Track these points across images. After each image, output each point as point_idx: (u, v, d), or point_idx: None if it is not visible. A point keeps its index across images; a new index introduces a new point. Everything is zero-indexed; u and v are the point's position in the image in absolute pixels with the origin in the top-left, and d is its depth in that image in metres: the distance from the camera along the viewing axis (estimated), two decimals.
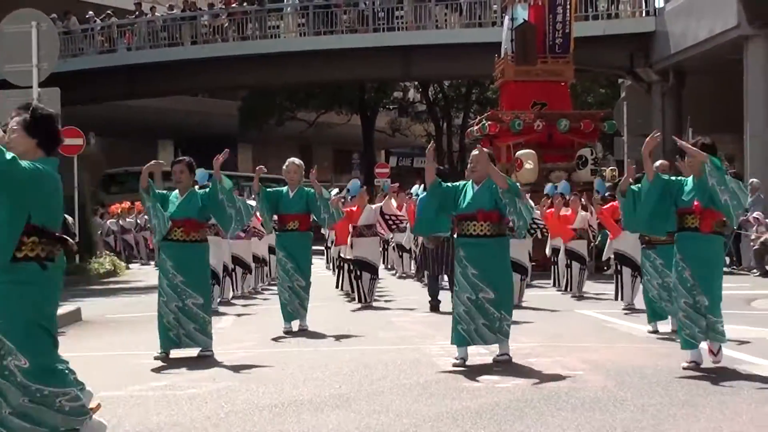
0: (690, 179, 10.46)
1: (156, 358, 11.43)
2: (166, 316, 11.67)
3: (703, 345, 10.30)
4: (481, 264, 10.80)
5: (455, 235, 11.32)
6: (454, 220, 12.75)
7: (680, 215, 10.47)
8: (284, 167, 14.48)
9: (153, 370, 10.87)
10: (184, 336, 11.65)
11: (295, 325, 14.11)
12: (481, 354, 11.59)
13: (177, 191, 12.11)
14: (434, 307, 16.74)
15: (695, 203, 10.29)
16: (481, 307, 10.73)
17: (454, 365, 10.52)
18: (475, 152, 11.18)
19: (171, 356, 11.52)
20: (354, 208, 18.42)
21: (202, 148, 64.23)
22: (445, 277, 17.63)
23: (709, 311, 10.19)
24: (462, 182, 11.23)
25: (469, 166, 11.13)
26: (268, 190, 14.32)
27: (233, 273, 19.70)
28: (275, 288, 16.86)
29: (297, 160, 14.58)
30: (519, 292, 17.22)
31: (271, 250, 22.20)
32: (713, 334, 10.22)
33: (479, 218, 10.83)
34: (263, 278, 22.63)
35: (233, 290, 19.84)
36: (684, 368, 10.18)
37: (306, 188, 14.41)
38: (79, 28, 44.33)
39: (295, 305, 14.05)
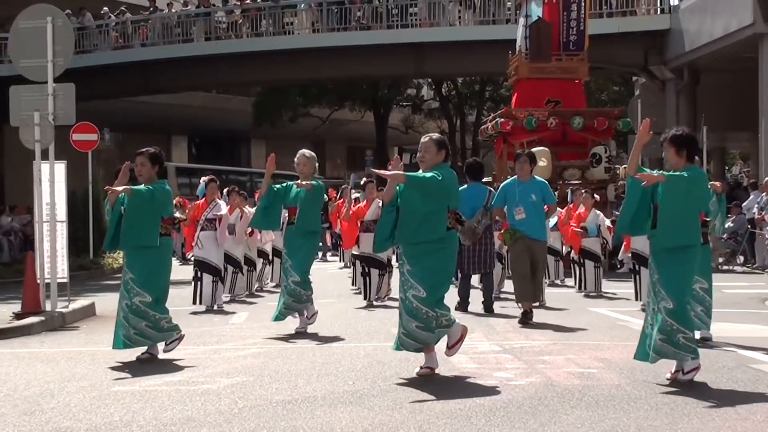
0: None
1: (139, 358, 11.27)
2: (119, 314, 11.37)
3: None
4: (418, 261, 9.84)
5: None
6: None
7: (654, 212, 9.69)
8: (295, 159, 13.90)
9: (166, 365, 10.85)
10: (135, 335, 11.24)
11: (294, 323, 13.72)
12: (495, 351, 11.61)
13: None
14: (464, 308, 15.95)
15: None
16: (408, 308, 9.81)
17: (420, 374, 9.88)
18: (423, 139, 10.19)
19: (181, 352, 11.43)
20: (362, 204, 18.35)
21: (216, 144, 64.87)
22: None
23: (674, 318, 9.31)
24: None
25: (417, 154, 10.19)
26: (276, 186, 13.75)
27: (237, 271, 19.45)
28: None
29: (308, 152, 13.95)
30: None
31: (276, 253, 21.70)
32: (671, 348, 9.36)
33: None
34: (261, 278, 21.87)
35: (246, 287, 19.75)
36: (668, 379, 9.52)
37: (320, 182, 13.95)
38: (94, 24, 44.43)
39: (288, 303, 13.43)
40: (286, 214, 13.92)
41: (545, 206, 14.77)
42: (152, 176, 11.49)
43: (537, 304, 15.19)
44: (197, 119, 57.83)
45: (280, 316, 13.59)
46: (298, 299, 13.49)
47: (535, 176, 15.07)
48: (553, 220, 17.75)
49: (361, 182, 19.45)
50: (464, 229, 15.06)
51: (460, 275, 16.43)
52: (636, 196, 9.70)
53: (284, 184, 13.90)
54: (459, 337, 9.97)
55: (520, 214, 14.52)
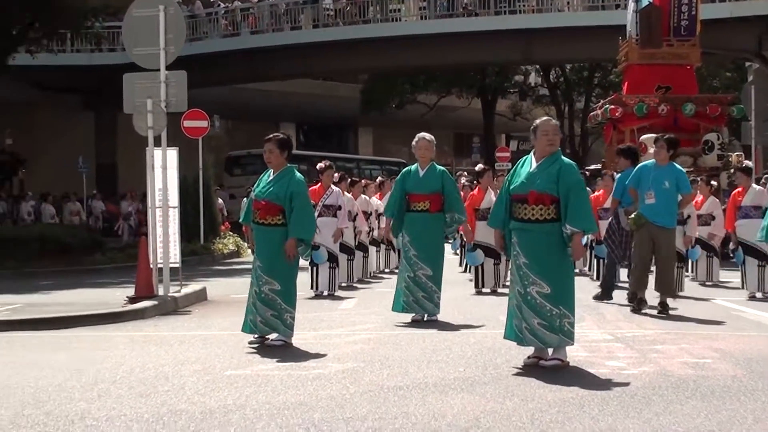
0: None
1: (250, 343, 11.28)
2: (249, 300, 11.41)
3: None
4: (533, 253, 9.61)
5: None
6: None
7: None
8: (414, 143, 13.53)
9: (278, 350, 10.92)
10: (260, 323, 11.24)
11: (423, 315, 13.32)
12: (606, 340, 11.50)
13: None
14: (605, 297, 15.65)
15: None
16: (531, 304, 9.59)
17: (526, 363, 9.66)
18: (550, 122, 9.89)
19: (293, 337, 11.39)
20: (475, 192, 18.25)
21: (324, 131, 65.33)
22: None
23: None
24: (524, 158, 9.99)
25: (543, 138, 9.73)
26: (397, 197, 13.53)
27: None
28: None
29: (428, 135, 13.47)
30: (677, 282, 16.41)
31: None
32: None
33: (530, 201, 9.61)
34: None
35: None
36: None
37: (439, 166, 13.56)
38: (204, 12, 44.97)
39: (417, 297, 13.11)
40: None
41: (679, 195, 14.28)
42: (282, 162, 11.41)
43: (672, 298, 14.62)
44: (305, 106, 58.18)
45: (407, 308, 13.31)
46: (430, 297, 13.23)
47: (675, 163, 14.64)
48: (688, 210, 17.00)
49: (477, 168, 19.28)
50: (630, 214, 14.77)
51: (607, 263, 16.34)
52: None
53: (403, 173, 13.70)
54: (562, 361, 9.65)
55: (650, 198, 14.08)
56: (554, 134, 9.77)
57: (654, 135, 25.84)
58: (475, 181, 19.74)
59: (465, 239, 16.91)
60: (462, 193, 20.08)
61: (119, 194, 43.53)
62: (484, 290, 17.35)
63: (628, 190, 14.56)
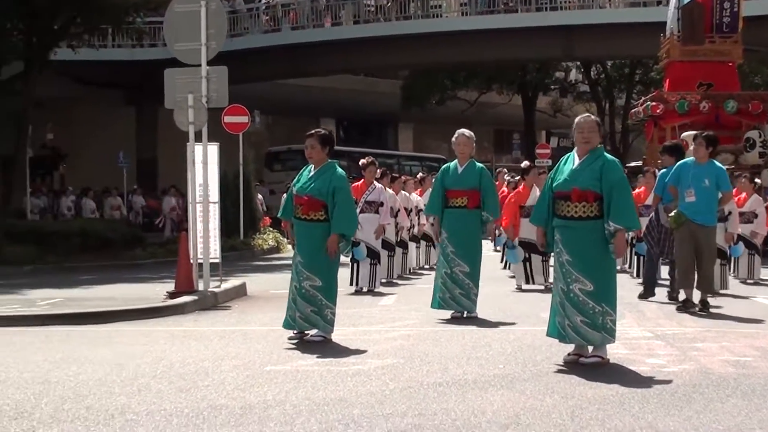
0: None
1: (290, 338, 11.28)
2: (289, 296, 11.39)
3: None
4: (576, 250, 9.56)
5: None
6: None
7: None
8: (453, 139, 13.46)
9: (317, 345, 10.93)
10: (300, 319, 11.23)
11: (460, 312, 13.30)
12: (646, 337, 11.44)
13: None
14: (648, 294, 15.62)
15: None
16: (574, 301, 9.54)
17: (565, 360, 9.63)
18: (585, 119, 9.88)
19: (334, 333, 11.39)
20: (520, 188, 18.19)
21: (364, 127, 65.31)
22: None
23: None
24: (567, 155, 9.98)
25: (578, 135, 9.73)
26: (437, 191, 13.53)
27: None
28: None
29: (467, 132, 13.41)
30: (721, 280, 16.47)
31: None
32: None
33: (573, 198, 9.57)
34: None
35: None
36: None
37: (478, 163, 13.51)
38: (245, 8, 45.09)
39: (454, 294, 13.13)
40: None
41: (719, 193, 14.10)
42: (323, 158, 11.39)
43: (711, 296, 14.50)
44: (346, 102, 58.23)
45: (443, 305, 13.26)
46: (467, 293, 13.19)
47: (714, 161, 14.50)
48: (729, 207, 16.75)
49: (522, 165, 19.21)
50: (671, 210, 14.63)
51: (647, 259, 16.21)
52: None
53: (442, 170, 13.65)
54: (602, 358, 9.63)
55: (690, 196, 13.92)
56: (589, 131, 9.69)
57: (695, 132, 25.77)
58: (518, 178, 19.69)
59: (506, 236, 16.84)
60: (506, 189, 20.12)
61: (161, 189, 43.75)
62: (532, 286, 17.28)
63: (668, 187, 14.45)
